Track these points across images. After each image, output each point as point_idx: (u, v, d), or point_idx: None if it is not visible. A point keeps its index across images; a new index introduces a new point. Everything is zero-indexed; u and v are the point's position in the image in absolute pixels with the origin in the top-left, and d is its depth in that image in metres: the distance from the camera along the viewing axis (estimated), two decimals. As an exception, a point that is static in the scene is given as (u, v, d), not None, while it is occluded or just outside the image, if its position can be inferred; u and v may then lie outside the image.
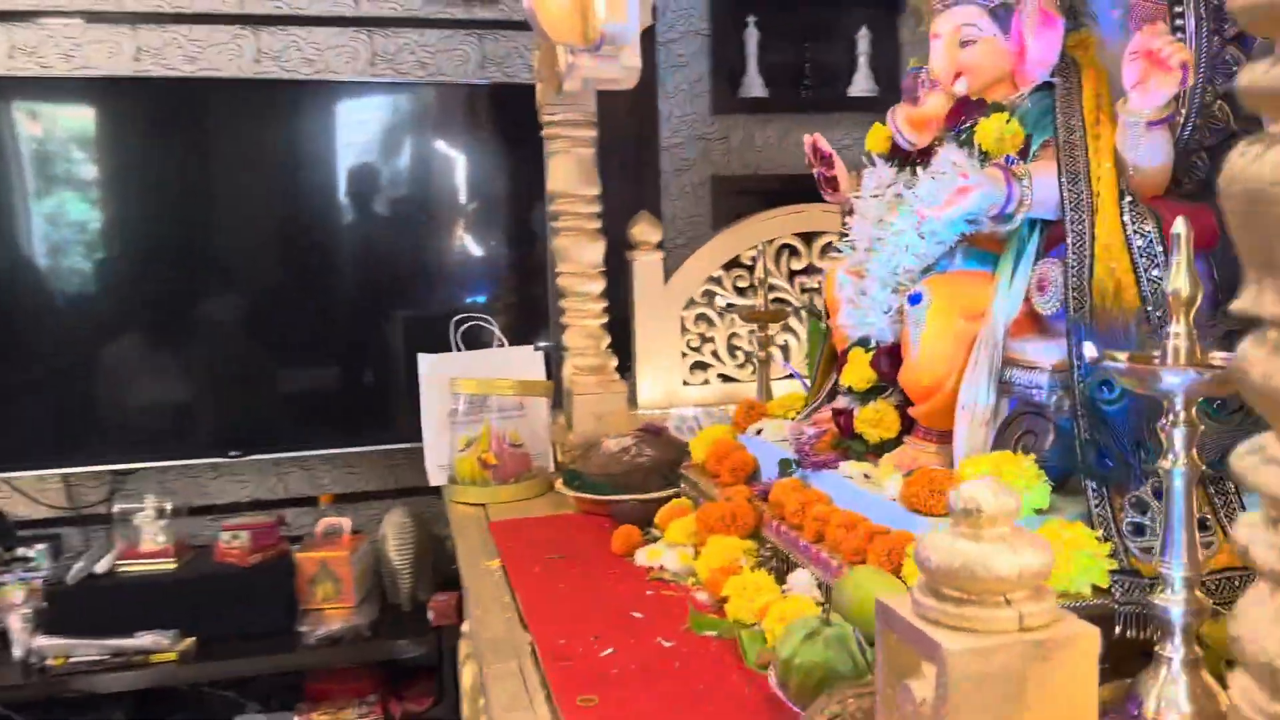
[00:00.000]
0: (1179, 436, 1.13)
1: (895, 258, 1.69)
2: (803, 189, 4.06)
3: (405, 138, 3.60)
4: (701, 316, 2.98)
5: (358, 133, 3.57)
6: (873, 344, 1.75)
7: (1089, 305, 1.47)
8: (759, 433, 2.08)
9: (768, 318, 2.45)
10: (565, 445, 2.63)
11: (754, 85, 3.93)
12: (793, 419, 2.11)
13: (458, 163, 3.67)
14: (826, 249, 3.01)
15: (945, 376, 1.63)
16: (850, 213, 1.98)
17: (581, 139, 2.81)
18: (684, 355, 2.98)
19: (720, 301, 2.97)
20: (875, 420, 1.72)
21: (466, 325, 2.81)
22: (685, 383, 2.98)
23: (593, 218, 2.82)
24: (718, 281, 2.97)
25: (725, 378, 3.01)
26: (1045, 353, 1.53)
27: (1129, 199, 1.49)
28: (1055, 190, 1.55)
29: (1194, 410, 1.12)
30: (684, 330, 2.97)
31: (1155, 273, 1.46)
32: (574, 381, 2.61)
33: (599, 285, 2.84)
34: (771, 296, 3.04)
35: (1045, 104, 1.66)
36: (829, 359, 2.12)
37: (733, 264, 2.98)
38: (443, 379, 2.73)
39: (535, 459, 2.61)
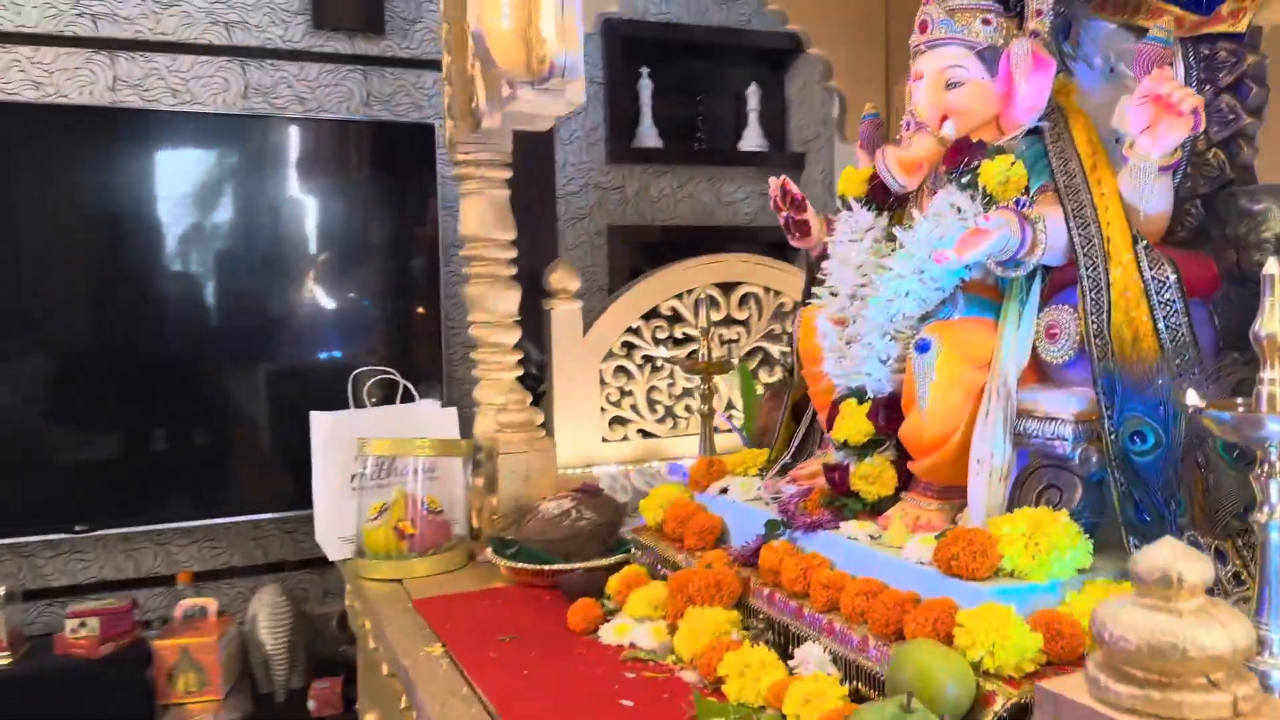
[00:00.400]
0: (1275, 488, 1.06)
1: (894, 304, 1.60)
2: (699, 240, 4.03)
3: (274, 177, 3.32)
4: (621, 369, 2.83)
5: (222, 171, 3.26)
6: (869, 395, 1.65)
7: (1112, 353, 1.42)
8: (724, 491, 1.94)
9: (712, 370, 2.33)
10: (487, 510, 2.41)
11: (648, 136, 3.87)
12: (756, 476, 1.99)
13: (336, 204, 3.41)
14: (745, 300, 2.94)
15: (954, 429, 1.54)
16: (823, 258, 1.89)
17: (496, 180, 2.63)
18: (602, 410, 2.81)
19: (640, 353, 2.84)
20: (874, 476, 1.62)
21: (372, 382, 2.56)
22: (604, 439, 2.81)
23: (508, 264, 2.64)
24: (636, 332, 2.84)
25: (645, 433, 2.86)
26: (1064, 403, 1.46)
27: (1144, 244, 1.46)
28: (1064, 234, 1.50)
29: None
30: (602, 384, 2.81)
31: (1174, 320, 1.42)
32: (499, 440, 2.40)
33: (514, 335, 2.65)
34: (692, 349, 2.94)
35: (1036, 149, 1.62)
36: (793, 411, 2.02)
37: (652, 314, 2.85)
38: (340, 440, 2.47)
39: (455, 526, 2.37)
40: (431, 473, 2.45)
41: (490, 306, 2.62)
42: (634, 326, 2.83)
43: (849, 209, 1.81)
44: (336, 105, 3.47)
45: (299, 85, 3.43)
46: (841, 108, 3.13)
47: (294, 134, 3.33)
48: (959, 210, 1.55)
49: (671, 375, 2.87)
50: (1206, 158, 1.54)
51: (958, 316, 1.58)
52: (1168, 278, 1.42)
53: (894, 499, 1.63)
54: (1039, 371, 1.54)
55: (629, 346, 2.84)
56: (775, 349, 2.96)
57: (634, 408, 2.85)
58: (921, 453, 1.57)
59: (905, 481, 1.63)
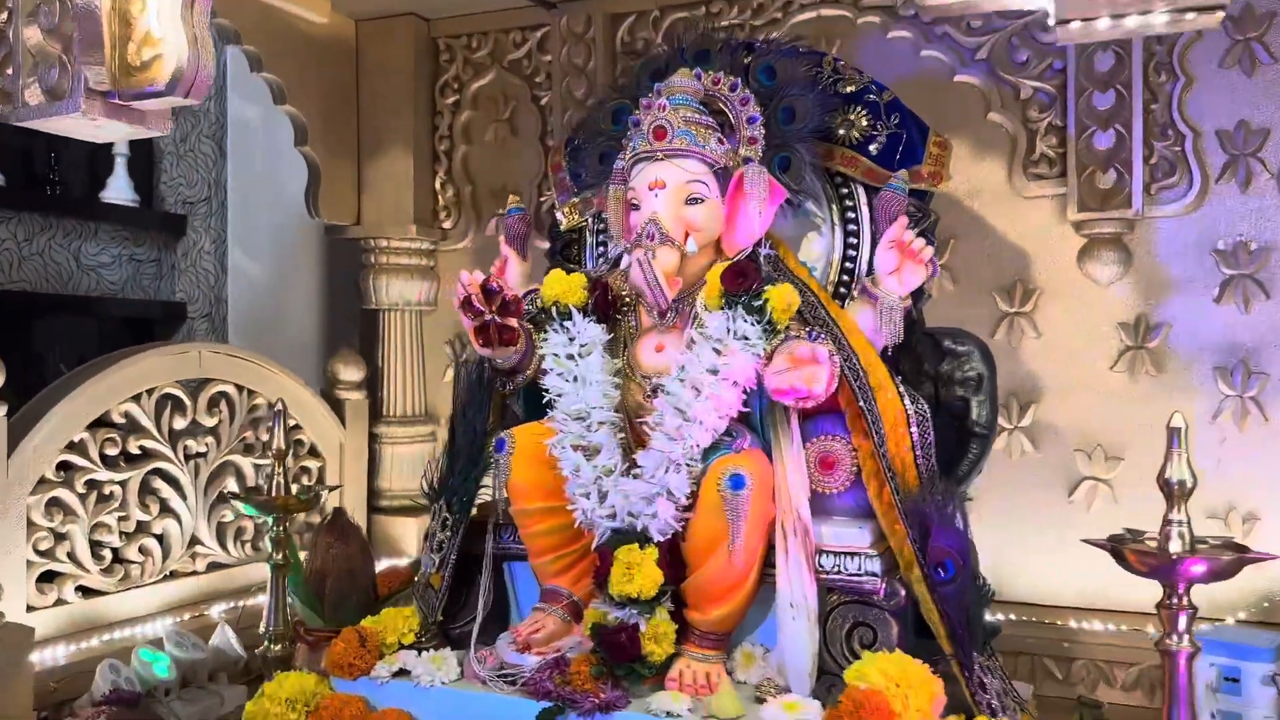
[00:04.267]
0: (1184, 620, 1.20)
1: (692, 435, 1.42)
2: (51, 311, 3.04)
3: None
4: (55, 503, 1.98)
5: None
6: (653, 539, 1.42)
7: (896, 486, 1.46)
8: (402, 675, 1.48)
9: (294, 506, 1.76)
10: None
11: (-17, 167, 2.84)
12: (413, 644, 1.56)
13: None
14: (218, 401, 2.31)
15: (753, 570, 1.42)
16: (514, 369, 1.60)
17: None
18: (29, 564, 1.93)
19: (83, 478, 2.02)
20: (662, 634, 1.40)
21: None
22: (31, 607, 1.92)
23: None
24: (79, 448, 2.02)
25: (86, 591, 2.03)
26: (858, 536, 1.45)
27: (900, 377, 1.54)
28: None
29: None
30: (30, 526, 1.93)
31: (928, 450, 1.52)
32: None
33: None
34: (151, 467, 2.18)
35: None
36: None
37: (98, 423, 2.06)
38: None
39: None
40: None
41: None
42: (77, 440, 2.01)
43: (566, 317, 1.57)
44: None
45: None
46: (314, 178, 2.70)
47: None
48: (745, 338, 1.46)
49: (124, 506, 2.10)
50: (901, 306, 1.70)
51: (748, 446, 1.47)
52: (925, 411, 1.53)
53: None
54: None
55: (66, 468, 2.00)
56: (248, 463, 2.37)
57: (71, 556, 2.01)
58: (718, 599, 1.42)
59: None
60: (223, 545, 2.31)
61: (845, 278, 1.73)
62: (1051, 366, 2.22)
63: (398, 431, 2.79)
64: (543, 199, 2.68)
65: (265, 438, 2.42)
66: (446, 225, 2.81)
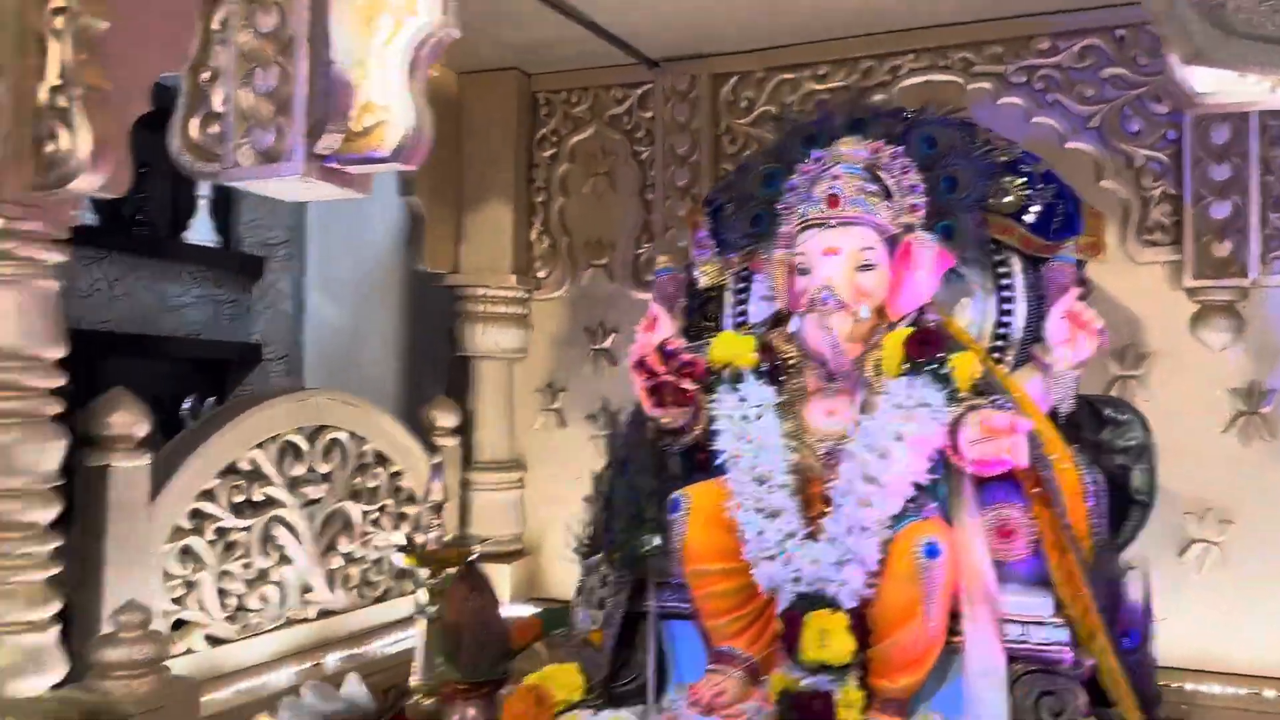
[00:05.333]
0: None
1: (881, 501, 1.44)
2: (139, 353, 3.04)
3: None
4: (187, 551, 1.98)
5: None
6: (842, 605, 1.43)
7: (1079, 557, 1.48)
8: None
9: (449, 559, 1.77)
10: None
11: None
12: (582, 702, 1.56)
13: None
14: (332, 448, 2.31)
15: (941, 638, 1.44)
16: (679, 429, 1.61)
17: (46, 266, 1.69)
18: (165, 614, 1.92)
19: (212, 526, 2.02)
20: (854, 701, 1.41)
21: None
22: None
23: (49, 398, 1.69)
24: (210, 496, 2.02)
25: (213, 640, 2.03)
26: (1041, 605, 1.47)
27: (1076, 445, 1.57)
28: (1010, 434, 1.53)
29: None
30: (166, 576, 1.92)
31: (1100, 520, 1.54)
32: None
33: (52, 511, 1.68)
34: (271, 515, 2.18)
35: (919, 339, 1.64)
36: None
37: (226, 471, 2.07)
38: None
39: None
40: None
41: (22, 465, 1.63)
42: (208, 488, 2.01)
43: (738, 379, 1.59)
44: None
45: None
46: (417, 227, 2.73)
47: None
48: (927, 405, 1.48)
49: (247, 554, 2.10)
50: (1052, 372, 1.72)
51: (930, 513, 1.49)
52: (1100, 481, 1.55)
53: (854, 719, 1.44)
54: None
55: (197, 517, 2.00)
56: (357, 510, 2.38)
57: (200, 604, 2.01)
58: (907, 667, 1.43)
59: (859, 699, 1.46)
60: (332, 592, 2.31)
61: (999, 343, 1.76)
62: (1162, 429, 2.23)
63: (489, 478, 2.81)
64: (640, 251, 2.72)
65: (373, 484, 2.45)
66: (541, 275, 2.84)
